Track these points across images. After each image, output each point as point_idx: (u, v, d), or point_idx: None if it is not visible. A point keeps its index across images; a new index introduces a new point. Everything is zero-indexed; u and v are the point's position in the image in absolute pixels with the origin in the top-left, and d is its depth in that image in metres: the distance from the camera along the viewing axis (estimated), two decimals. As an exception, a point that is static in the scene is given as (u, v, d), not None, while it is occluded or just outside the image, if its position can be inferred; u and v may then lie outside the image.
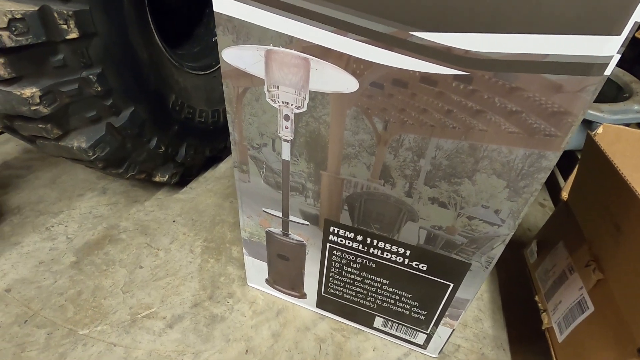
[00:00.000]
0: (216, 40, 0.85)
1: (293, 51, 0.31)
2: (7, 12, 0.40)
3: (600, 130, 0.47)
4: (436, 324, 0.46)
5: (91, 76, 0.49)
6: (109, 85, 0.51)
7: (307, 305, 0.54)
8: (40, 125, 0.49)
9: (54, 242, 0.61)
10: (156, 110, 0.61)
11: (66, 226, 0.65)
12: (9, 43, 0.41)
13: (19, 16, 0.40)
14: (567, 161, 0.71)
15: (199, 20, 0.83)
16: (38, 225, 0.64)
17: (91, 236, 0.63)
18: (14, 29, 0.41)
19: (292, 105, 0.34)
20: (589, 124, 0.61)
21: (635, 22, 0.22)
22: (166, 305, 0.54)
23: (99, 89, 0.50)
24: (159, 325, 0.51)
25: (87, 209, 0.68)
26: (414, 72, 0.28)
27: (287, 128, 0.36)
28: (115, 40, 0.51)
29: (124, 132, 0.56)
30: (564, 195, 0.53)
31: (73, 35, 0.45)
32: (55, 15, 0.43)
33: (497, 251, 0.36)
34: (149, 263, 0.59)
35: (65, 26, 0.44)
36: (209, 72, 0.75)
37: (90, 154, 0.54)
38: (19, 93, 0.44)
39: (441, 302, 0.43)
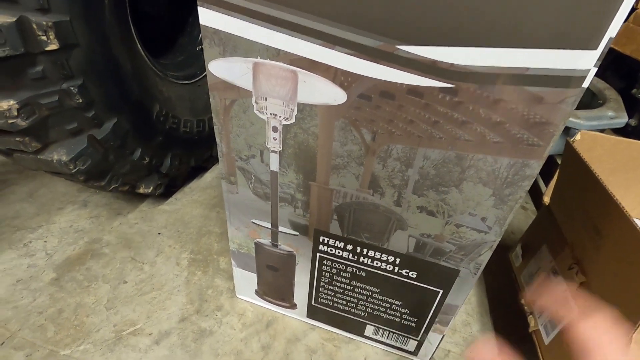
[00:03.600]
0: (200, 50, 0.85)
1: (281, 64, 0.31)
2: (-17, 23, 0.38)
3: (578, 136, 0.49)
4: (426, 331, 0.46)
5: (72, 88, 0.47)
6: (90, 96, 0.50)
7: (298, 316, 0.54)
8: (17, 139, 0.47)
9: (32, 259, 0.59)
10: (140, 121, 0.60)
11: (45, 241, 0.62)
12: (-16, 55, 0.40)
13: (-5, 27, 0.39)
14: (547, 166, 0.73)
15: (183, 29, 0.82)
16: (15, 241, 0.62)
17: (72, 251, 0.61)
18: (-10, 40, 0.39)
19: (280, 117, 0.34)
20: (567, 130, 0.63)
21: (610, 38, 0.23)
22: (152, 320, 0.52)
23: (80, 101, 0.49)
24: (145, 342, 0.49)
25: (68, 223, 0.66)
26: (401, 84, 0.29)
27: (276, 139, 0.36)
28: (97, 50, 0.50)
29: (106, 144, 0.55)
30: (546, 199, 0.54)
31: (53, 46, 0.43)
32: (34, 26, 0.42)
33: (485, 257, 0.37)
34: (134, 277, 0.58)
35: (44, 37, 0.43)
36: (193, 81, 0.74)
37: (71, 167, 0.52)
38: (-5, 106, 0.43)
39: (431, 309, 0.44)
